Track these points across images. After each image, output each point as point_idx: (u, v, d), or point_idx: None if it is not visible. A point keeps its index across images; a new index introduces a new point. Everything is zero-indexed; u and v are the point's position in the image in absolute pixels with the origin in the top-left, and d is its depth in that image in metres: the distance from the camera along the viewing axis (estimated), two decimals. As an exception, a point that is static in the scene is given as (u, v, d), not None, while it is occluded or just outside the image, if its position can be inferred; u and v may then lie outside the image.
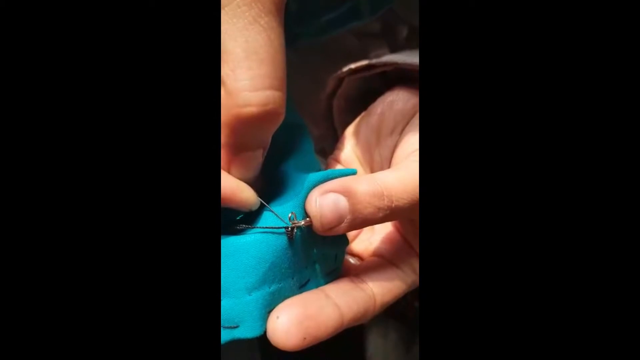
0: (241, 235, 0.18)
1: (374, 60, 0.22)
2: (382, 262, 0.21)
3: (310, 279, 0.19)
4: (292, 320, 0.16)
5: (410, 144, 0.21)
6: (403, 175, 0.19)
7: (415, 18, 0.34)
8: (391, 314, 0.23)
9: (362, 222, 0.18)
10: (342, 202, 0.17)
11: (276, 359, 0.28)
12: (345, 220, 0.17)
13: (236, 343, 0.19)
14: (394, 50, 0.35)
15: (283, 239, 0.18)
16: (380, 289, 0.19)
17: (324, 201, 0.17)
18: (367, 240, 0.23)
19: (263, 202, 0.18)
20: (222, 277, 0.17)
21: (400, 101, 0.22)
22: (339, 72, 0.23)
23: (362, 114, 0.24)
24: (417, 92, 0.22)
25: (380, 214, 0.18)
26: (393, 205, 0.18)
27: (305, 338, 0.16)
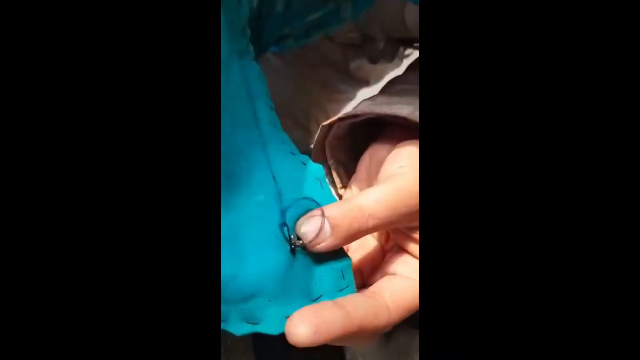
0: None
1: (358, 111, 0.26)
2: (393, 277, 0.24)
3: (322, 295, 0.22)
4: (302, 317, 0.19)
5: (385, 170, 0.24)
6: (378, 190, 0.22)
7: (391, 30, 0.36)
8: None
9: (345, 235, 0.21)
10: (322, 222, 0.21)
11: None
12: (329, 235, 0.21)
13: (231, 348, 0.20)
14: (373, 60, 0.37)
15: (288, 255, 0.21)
16: (391, 297, 0.22)
17: (307, 223, 0.21)
18: (381, 270, 0.25)
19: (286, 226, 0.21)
20: (254, 280, 0.21)
21: (383, 150, 0.26)
22: (329, 120, 0.27)
23: (359, 163, 0.28)
24: (398, 138, 0.25)
25: (359, 225, 0.21)
26: (369, 215, 0.21)
27: (315, 332, 0.19)
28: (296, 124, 0.41)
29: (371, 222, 0.21)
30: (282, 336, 0.20)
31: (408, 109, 0.24)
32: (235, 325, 0.20)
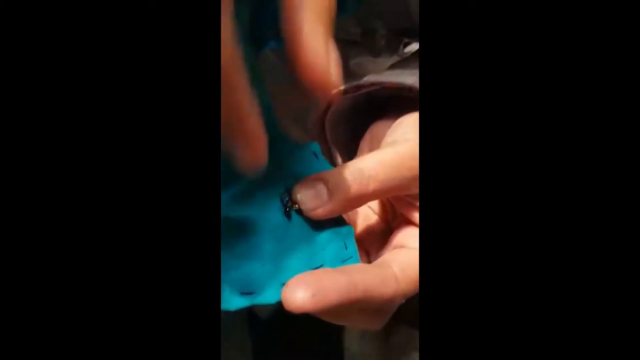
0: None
1: (362, 82, 0.25)
2: (401, 249, 0.22)
3: (324, 264, 0.21)
4: (300, 281, 0.17)
5: (387, 140, 0.23)
6: (378, 153, 0.21)
7: (393, 19, 0.36)
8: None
9: (344, 198, 0.20)
10: (319, 186, 0.20)
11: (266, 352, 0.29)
12: (327, 200, 0.20)
13: (229, 338, 0.20)
14: (374, 56, 0.37)
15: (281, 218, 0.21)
16: (399, 267, 0.20)
17: (303, 187, 0.20)
18: (388, 246, 0.24)
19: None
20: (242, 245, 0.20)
21: (385, 128, 0.25)
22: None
23: (361, 142, 0.27)
24: (396, 117, 0.25)
25: (358, 188, 0.20)
26: (369, 177, 0.20)
27: (313, 295, 0.17)
28: (295, 123, 0.41)
29: (372, 186, 0.20)
30: (279, 319, 0.19)
31: (413, 79, 0.23)
32: (229, 299, 0.19)
